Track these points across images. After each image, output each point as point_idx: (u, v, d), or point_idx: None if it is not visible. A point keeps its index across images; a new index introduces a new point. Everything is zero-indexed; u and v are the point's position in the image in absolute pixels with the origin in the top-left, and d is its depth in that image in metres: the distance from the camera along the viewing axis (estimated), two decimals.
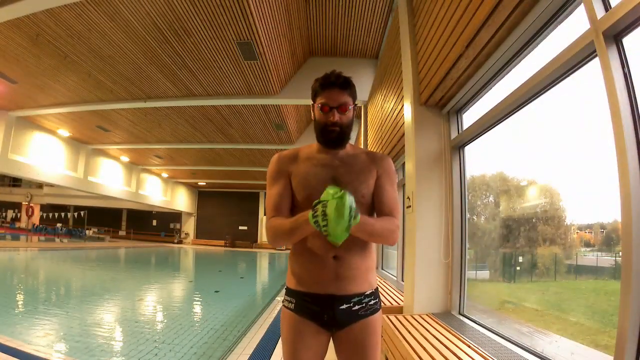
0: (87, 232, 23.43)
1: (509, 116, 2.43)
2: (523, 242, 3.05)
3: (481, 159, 3.26)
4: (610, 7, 1.47)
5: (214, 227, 25.98)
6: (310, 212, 1.05)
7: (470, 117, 3.12)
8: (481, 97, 2.93)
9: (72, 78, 7.78)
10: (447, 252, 3.07)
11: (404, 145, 3.76)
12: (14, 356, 2.88)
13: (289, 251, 1.26)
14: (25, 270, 9.77)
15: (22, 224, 24.71)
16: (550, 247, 2.74)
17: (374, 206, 1.30)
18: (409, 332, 2.42)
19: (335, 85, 1.23)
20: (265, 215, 24.78)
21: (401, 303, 3.59)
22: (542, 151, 2.75)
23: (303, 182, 1.26)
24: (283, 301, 1.32)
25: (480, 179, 3.58)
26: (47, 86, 8.24)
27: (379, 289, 1.36)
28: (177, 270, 12.19)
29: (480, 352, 2.03)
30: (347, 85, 1.25)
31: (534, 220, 2.90)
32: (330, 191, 1.03)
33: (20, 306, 5.24)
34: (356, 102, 1.32)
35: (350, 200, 1.01)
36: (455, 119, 3.26)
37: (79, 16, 5.49)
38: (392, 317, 2.82)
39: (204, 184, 23.41)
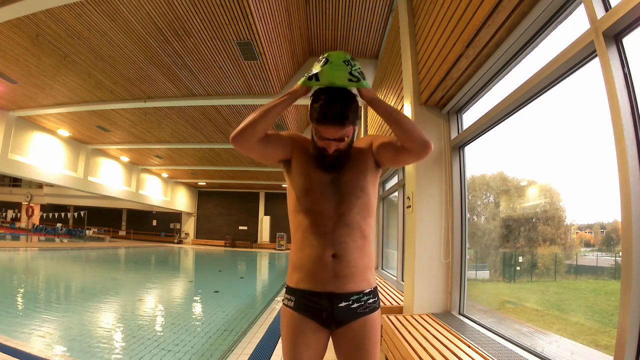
0: (87, 232, 23.42)
1: (509, 116, 2.43)
2: (523, 242, 3.05)
3: (481, 159, 3.26)
4: (610, 7, 1.47)
5: (214, 227, 25.98)
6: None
7: (470, 117, 3.13)
8: (481, 97, 2.93)
9: (72, 78, 7.78)
10: (447, 252, 3.07)
11: None
12: (14, 356, 2.88)
13: (289, 251, 1.27)
14: (25, 270, 9.77)
15: (22, 224, 24.71)
16: (550, 247, 2.75)
17: (388, 145, 1.26)
18: (409, 332, 2.42)
19: (334, 123, 1.15)
20: (265, 214, 24.90)
21: (401, 303, 3.59)
22: (542, 151, 2.75)
23: (303, 174, 1.27)
24: (283, 299, 1.32)
25: (480, 179, 3.58)
26: (47, 86, 8.24)
27: (379, 288, 1.36)
28: (177, 270, 12.18)
29: (480, 352, 2.03)
30: (346, 119, 1.15)
31: (534, 220, 2.90)
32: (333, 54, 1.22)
33: (20, 306, 5.24)
34: (357, 123, 1.22)
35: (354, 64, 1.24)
36: (455, 119, 3.26)
37: (79, 16, 5.49)
38: (392, 317, 2.82)
39: (204, 184, 23.40)
